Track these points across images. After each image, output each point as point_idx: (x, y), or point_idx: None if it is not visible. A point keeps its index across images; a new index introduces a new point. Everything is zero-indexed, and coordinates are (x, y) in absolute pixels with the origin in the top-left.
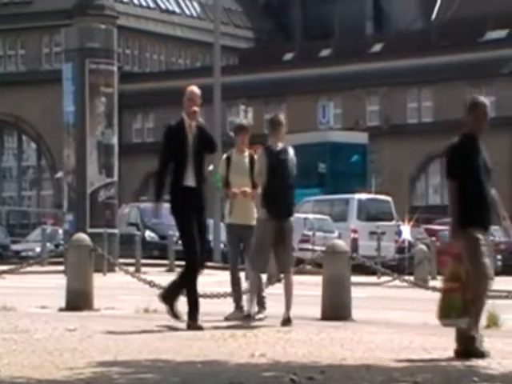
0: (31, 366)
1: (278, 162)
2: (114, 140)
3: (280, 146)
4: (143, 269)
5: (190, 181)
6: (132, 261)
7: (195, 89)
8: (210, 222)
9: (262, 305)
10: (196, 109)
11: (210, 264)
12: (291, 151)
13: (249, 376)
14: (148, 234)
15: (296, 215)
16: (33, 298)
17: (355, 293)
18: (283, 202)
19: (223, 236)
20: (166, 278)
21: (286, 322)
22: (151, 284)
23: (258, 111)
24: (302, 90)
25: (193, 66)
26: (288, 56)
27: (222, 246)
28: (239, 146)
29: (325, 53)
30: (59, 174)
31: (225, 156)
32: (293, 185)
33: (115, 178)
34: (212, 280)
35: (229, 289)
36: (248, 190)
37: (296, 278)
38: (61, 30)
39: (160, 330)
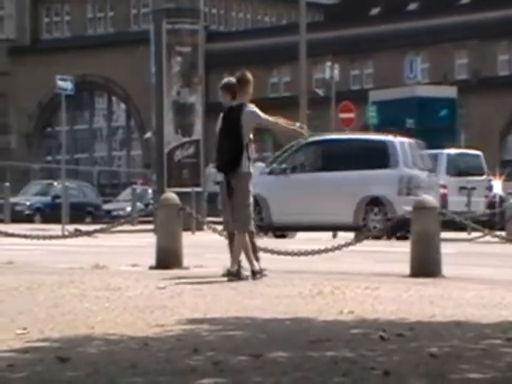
0: (123, 323)
1: (223, 119)
2: (192, 99)
3: (233, 103)
4: None
5: None
6: (220, 219)
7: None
8: None
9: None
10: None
11: None
12: (247, 109)
13: (337, 333)
14: None
15: None
16: (124, 256)
17: (445, 249)
18: (225, 158)
19: None
20: None
21: (226, 274)
22: None
23: (344, 68)
24: (389, 45)
25: (278, 23)
26: (374, 11)
27: None
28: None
29: (412, 6)
30: (147, 135)
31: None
32: (239, 141)
33: (195, 137)
34: (297, 237)
35: (319, 246)
36: None
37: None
38: None
39: (247, 287)
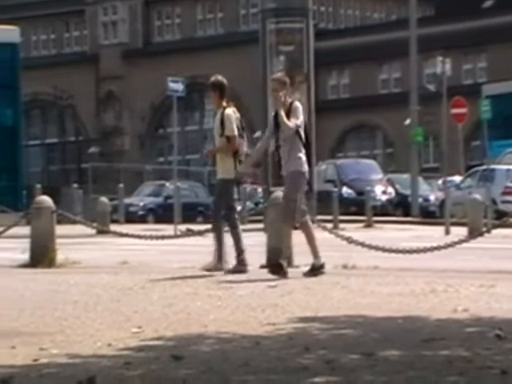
0: (235, 322)
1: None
2: (296, 98)
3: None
4: (341, 225)
5: None
6: (329, 217)
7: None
8: (404, 176)
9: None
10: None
11: (408, 219)
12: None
13: (451, 331)
14: (345, 190)
15: (498, 167)
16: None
17: None
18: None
19: (421, 190)
20: (363, 234)
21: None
22: (349, 240)
23: (456, 62)
24: (503, 38)
25: (388, 19)
26: (487, 3)
27: (420, 200)
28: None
29: None
30: (257, 134)
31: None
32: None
33: None
34: (410, 234)
35: (431, 243)
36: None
37: (499, 232)
38: None
39: (358, 285)
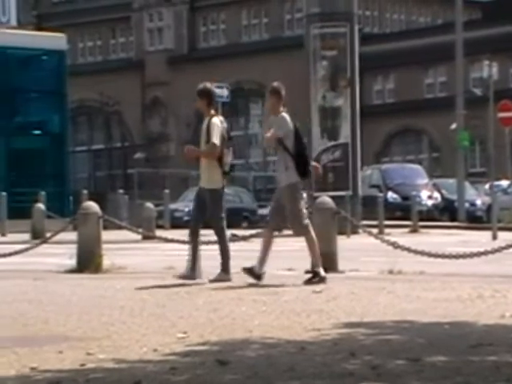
0: (280, 327)
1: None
2: (339, 102)
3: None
4: (386, 230)
5: None
6: (375, 222)
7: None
8: (450, 181)
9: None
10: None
11: (454, 224)
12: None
13: (499, 337)
14: (390, 195)
15: None
16: (279, 260)
17: None
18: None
19: (468, 195)
20: (409, 239)
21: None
22: (395, 245)
23: (502, 66)
24: None
25: (434, 23)
26: None
27: (466, 205)
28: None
29: None
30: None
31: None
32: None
33: (341, 141)
34: (456, 239)
35: (478, 248)
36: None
37: None
38: None
39: (404, 290)
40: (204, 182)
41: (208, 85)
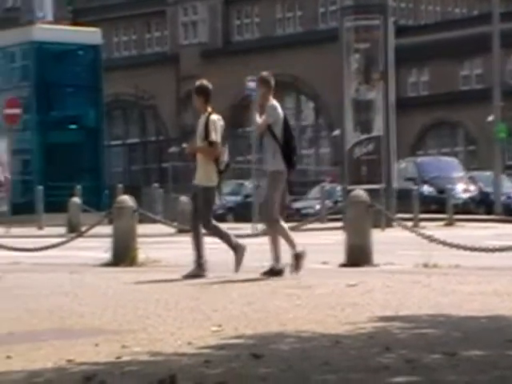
0: (315, 321)
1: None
2: (372, 95)
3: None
4: (421, 223)
5: None
6: (410, 216)
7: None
8: (486, 173)
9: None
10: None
11: (490, 217)
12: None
13: None
14: (426, 188)
15: None
16: (314, 254)
17: None
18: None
19: (504, 188)
20: (444, 233)
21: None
22: (430, 239)
23: None
24: None
25: (469, 14)
26: None
27: (503, 198)
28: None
29: None
30: (336, 132)
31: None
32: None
33: (374, 134)
34: (492, 233)
35: (508, 242)
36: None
37: None
38: None
39: (440, 284)
40: (198, 179)
41: (205, 82)
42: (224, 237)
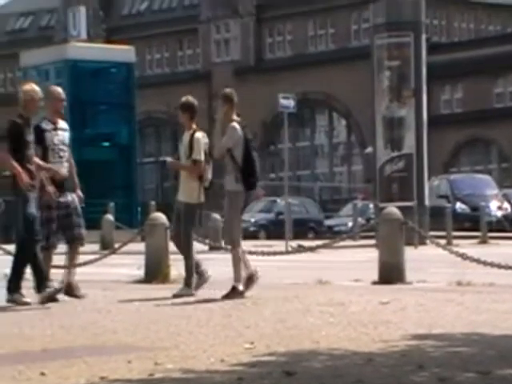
0: (347, 338)
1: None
2: (402, 113)
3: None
4: (455, 241)
5: None
6: (443, 233)
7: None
8: None
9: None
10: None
11: None
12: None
13: None
14: (459, 205)
15: None
16: (346, 271)
17: None
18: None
19: None
20: (478, 251)
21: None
22: (463, 256)
23: None
24: None
25: (503, 31)
26: None
27: None
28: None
29: None
30: (368, 149)
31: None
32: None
33: (405, 151)
34: None
35: None
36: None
37: None
38: (369, 6)
39: (474, 302)
40: (180, 195)
41: (190, 98)
42: (191, 259)
